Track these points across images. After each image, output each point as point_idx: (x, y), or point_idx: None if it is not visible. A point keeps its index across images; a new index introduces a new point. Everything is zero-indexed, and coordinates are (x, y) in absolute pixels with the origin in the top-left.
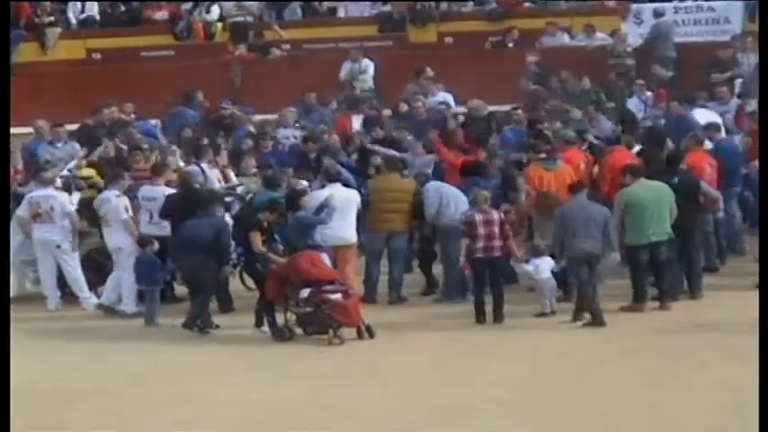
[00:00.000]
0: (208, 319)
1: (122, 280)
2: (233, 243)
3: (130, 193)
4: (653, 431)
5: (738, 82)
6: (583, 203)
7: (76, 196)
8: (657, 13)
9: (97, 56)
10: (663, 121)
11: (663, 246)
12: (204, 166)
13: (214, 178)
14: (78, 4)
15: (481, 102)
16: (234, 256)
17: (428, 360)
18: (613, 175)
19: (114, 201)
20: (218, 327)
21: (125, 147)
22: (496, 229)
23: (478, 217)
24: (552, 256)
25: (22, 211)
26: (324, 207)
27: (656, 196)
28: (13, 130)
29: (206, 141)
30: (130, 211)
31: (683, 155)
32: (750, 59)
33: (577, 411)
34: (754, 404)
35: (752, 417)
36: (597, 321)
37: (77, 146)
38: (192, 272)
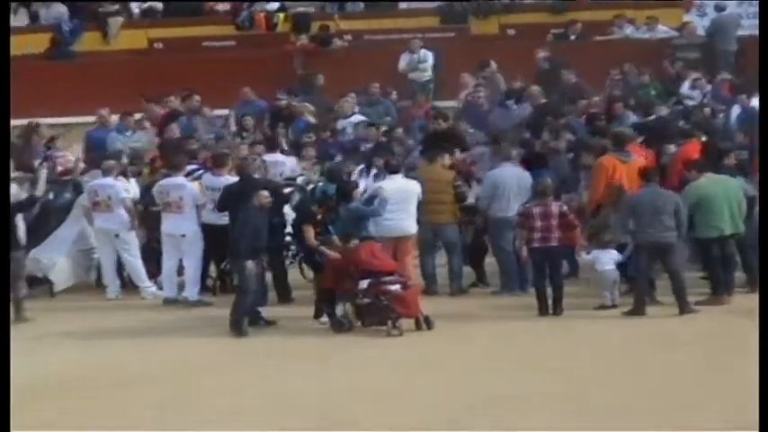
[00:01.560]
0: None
1: (189, 268)
2: (290, 234)
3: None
4: (710, 425)
5: None
6: (655, 192)
7: (134, 184)
8: (719, 8)
9: (159, 46)
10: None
11: (731, 239)
12: (279, 156)
13: (293, 166)
14: None
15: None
16: (293, 247)
17: (485, 351)
18: (683, 168)
19: (190, 186)
20: (272, 323)
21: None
22: (554, 222)
23: (536, 210)
24: (618, 248)
25: (83, 201)
26: (374, 198)
27: (724, 190)
28: (72, 120)
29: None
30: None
31: (729, 150)
32: None
33: (633, 405)
34: None
35: None
36: (637, 310)
37: (145, 135)
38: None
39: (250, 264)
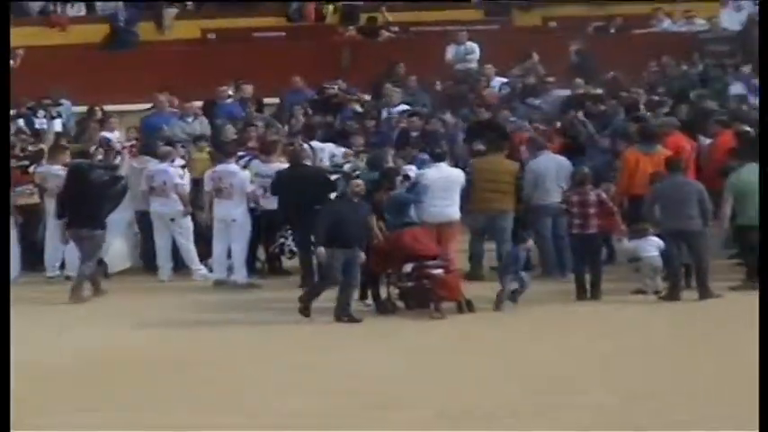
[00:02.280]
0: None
1: (235, 252)
2: None
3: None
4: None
5: None
6: (678, 181)
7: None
8: (756, 1)
9: (212, 36)
10: None
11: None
12: (315, 143)
13: (333, 151)
14: None
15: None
16: None
17: (526, 334)
18: (719, 157)
19: (241, 173)
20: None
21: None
22: (592, 211)
23: (575, 198)
24: (661, 236)
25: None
26: (416, 185)
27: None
28: (127, 107)
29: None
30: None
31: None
32: None
33: (666, 389)
34: None
35: None
36: (672, 295)
37: (206, 121)
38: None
39: (327, 251)
